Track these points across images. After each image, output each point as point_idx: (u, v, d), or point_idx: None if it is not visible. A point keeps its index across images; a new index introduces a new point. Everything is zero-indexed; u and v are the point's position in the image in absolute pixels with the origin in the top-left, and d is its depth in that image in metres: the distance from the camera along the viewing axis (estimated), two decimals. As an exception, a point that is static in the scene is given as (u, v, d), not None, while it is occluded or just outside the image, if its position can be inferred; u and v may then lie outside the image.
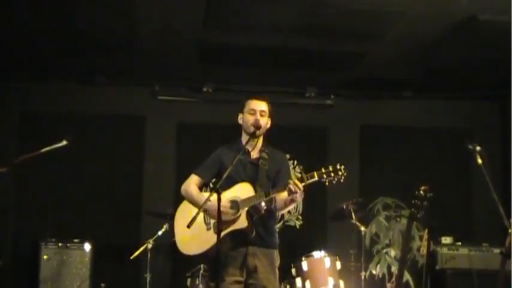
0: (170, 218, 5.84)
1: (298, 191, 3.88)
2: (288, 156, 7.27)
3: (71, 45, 6.36)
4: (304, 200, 4.22)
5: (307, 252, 5.97)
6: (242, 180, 4.11)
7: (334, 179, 3.93)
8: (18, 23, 5.81)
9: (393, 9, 5.42)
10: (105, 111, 7.53)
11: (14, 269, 7.04)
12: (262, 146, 4.26)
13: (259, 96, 4.25)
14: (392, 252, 6.66)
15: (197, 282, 5.93)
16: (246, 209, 4.03)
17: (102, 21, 5.76)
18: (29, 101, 7.42)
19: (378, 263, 6.67)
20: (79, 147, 5.63)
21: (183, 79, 7.57)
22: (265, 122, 4.19)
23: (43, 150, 4.90)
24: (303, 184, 3.90)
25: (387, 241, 6.76)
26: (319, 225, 7.51)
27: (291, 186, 3.88)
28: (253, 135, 4.14)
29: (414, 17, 5.54)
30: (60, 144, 4.95)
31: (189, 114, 7.67)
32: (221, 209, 3.73)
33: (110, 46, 6.42)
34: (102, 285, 6.67)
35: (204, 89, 7.53)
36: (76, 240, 6.64)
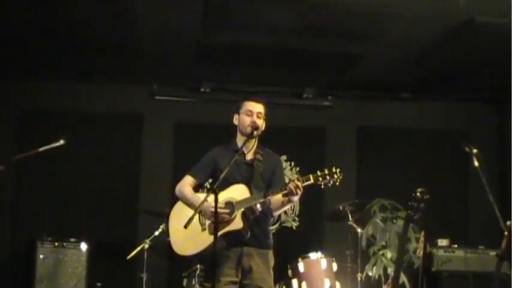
0: (167, 218, 5.83)
1: (299, 192, 3.88)
2: (284, 157, 7.37)
3: (70, 44, 6.36)
4: (300, 201, 4.23)
5: (303, 253, 5.97)
6: (237, 181, 4.10)
7: (329, 182, 3.95)
8: (18, 22, 5.80)
9: (392, 11, 5.41)
10: (102, 110, 7.51)
11: (10, 268, 7.05)
12: (257, 147, 4.25)
13: (256, 98, 4.25)
14: (389, 254, 6.65)
15: (193, 282, 5.92)
16: (242, 210, 4.02)
17: (101, 20, 5.76)
18: (27, 99, 7.41)
19: (374, 264, 6.67)
20: (76, 146, 5.61)
21: (181, 78, 7.56)
22: (262, 123, 4.19)
23: (40, 149, 4.89)
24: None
25: (383, 243, 6.75)
26: (316, 227, 7.49)
27: (292, 187, 3.88)
28: (250, 136, 4.13)
29: (412, 18, 5.53)
30: (57, 144, 4.94)
31: (186, 113, 7.66)
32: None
33: (108, 45, 6.42)
34: (98, 284, 6.65)
35: (202, 89, 7.52)
36: (72, 240, 6.63)
